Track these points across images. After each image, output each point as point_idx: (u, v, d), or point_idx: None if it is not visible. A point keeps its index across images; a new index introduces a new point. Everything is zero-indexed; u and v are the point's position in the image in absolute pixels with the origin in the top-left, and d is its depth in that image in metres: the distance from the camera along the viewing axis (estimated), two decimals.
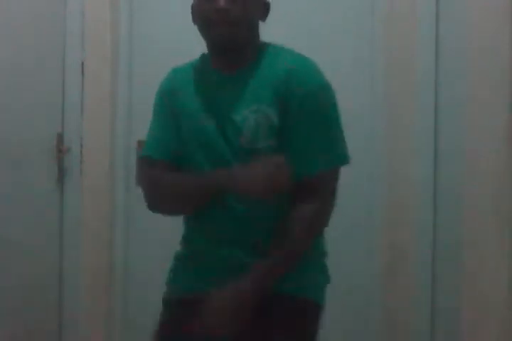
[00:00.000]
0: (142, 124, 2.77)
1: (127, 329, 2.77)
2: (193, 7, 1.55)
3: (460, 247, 2.29)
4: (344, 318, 2.73)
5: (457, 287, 2.31)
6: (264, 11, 1.56)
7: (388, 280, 2.63)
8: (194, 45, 2.70)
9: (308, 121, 1.48)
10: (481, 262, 2.09)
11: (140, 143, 2.74)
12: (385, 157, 2.66)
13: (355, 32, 2.72)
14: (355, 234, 2.66)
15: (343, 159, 1.54)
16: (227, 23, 1.45)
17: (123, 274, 2.75)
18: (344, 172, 1.60)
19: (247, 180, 1.41)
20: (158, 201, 1.58)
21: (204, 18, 1.49)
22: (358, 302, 2.74)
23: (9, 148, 2.17)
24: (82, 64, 2.65)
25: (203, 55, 1.63)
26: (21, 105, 2.26)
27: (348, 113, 2.62)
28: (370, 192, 2.65)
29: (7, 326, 2.15)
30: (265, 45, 1.57)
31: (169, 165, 1.56)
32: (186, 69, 1.64)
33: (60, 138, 2.61)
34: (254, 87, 1.49)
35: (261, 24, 1.59)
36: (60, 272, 2.66)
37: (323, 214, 1.52)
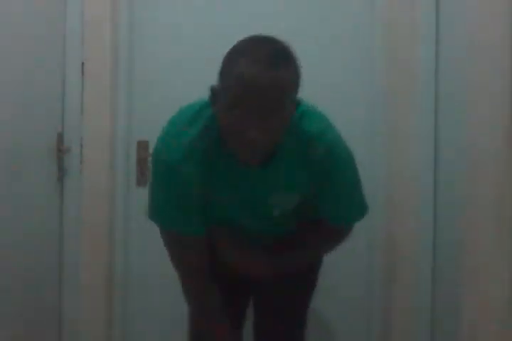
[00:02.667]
0: (142, 124, 2.80)
1: (127, 329, 2.77)
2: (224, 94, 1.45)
3: (460, 247, 2.29)
4: (344, 318, 2.73)
5: (457, 287, 2.30)
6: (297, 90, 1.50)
7: (388, 280, 2.63)
8: (195, 45, 2.72)
9: (338, 183, 1.69)
10: (481, 262, 2.09)
11: (140, 143, 2.75)
12: (385, 157, 2.66)
13: (355, 32, 2.72)
14: (355, 234, 2.65)
15: (367, 210, 1.86)
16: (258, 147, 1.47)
17: (123, 274, 2.75)
18: None
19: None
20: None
21: (233, 134, 1.45)
22: (358, 302, 2.74)
23: (9, 148, 2.17)
24: (82, 64, 2.65)
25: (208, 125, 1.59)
26: (21, 105, 2.26)
27: (348, 113, 2.65)
28: (370, 192, 2.64)
29: (7, 326, 2.15)
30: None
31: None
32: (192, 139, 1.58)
33: (60, 138, 2.61)
34: (286, 171, 1.61)
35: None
36: (60, 272, 2.66)
37: (335, 244, 1.92)
